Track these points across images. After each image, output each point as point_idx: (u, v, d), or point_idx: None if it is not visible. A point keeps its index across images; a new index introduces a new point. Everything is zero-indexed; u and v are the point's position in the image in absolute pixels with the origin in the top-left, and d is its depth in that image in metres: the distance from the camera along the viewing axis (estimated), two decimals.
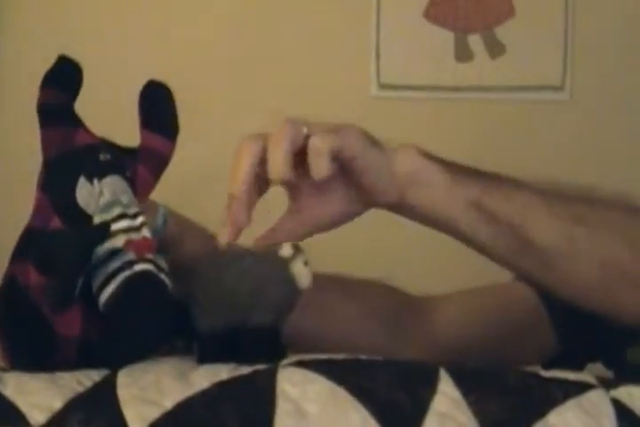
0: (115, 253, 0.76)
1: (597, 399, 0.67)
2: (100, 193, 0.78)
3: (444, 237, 1.82)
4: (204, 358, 0.74)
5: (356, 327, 1.01)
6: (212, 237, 0.83)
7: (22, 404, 0.66)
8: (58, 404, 0.66)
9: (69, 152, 0.80)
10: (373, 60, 2.04)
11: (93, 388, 0.67)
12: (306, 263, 0.77)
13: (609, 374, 1.06)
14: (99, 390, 0.67)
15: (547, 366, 1.09)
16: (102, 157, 0.79)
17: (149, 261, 0.77)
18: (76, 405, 0.66)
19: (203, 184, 1.86)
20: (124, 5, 2.07)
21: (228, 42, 2.05)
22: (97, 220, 0.77)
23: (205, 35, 2.05)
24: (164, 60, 2.05)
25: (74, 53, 0.84)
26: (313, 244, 1.75)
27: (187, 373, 0.70)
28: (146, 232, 0.78)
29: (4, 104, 2.10)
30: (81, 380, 0.68)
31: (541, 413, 0.65)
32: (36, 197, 0.81)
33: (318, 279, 1.02)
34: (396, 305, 1.06)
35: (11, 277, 0.77)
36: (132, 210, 0.78)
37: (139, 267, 0.76)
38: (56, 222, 0.78)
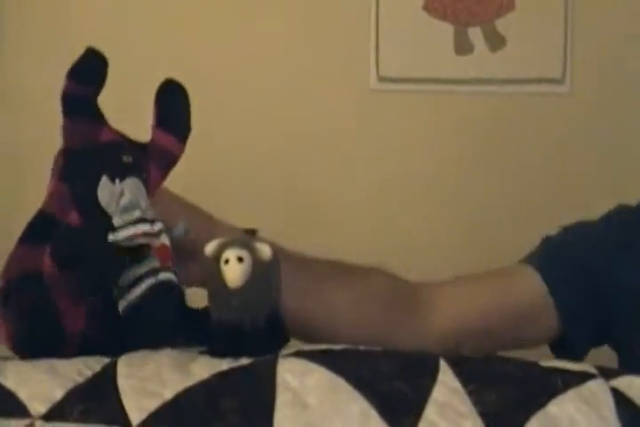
0: (139, 255, 0.77)
1: (597, 389, 0.67)
2: (122, 194, 0.78)
3: (445, 223, 1.82)
4: (215, 351, 0.73)
5: (355, 314, 1.01)
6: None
7: (23, 394, 0.66)
8: (58, 394, 0.66)
9: (94, 148, 0.80)
10: (372, 52, 2.03)
11: (93, 378, 0.67)
12: (228, 261, 0.72)
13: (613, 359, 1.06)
14: (99, 381, 0.67)
15: (552, 351, 1.10)
16: (125, 158, 0.80)
17: (171, 270, 0.78)
18: (76, 395, 0.66)
19: (205, 184, 1.86)
20: (128, 5, 2.07)
21: (225, 34, 2.04)
22: (117, 221, 0.77)
23: (205, 27, 2.05)
24: (165, 61, 2.04)
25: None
26: (314, 231, 1.74)
27: (186, 364, 0.70)
28: (165, 239, 0.79)
29: (5, 104, 2.10)
30: (81, 370, 0.68)
31: (541, 402, 0.65)
32: (52, 184, 0.81)
33: (319, 266, 1.02)
34: (396, 292, 1.05)
35: (20, 261, 0.77)
36: (150, 215, 0.79)
37: (162, 276, 0.77)
38: (75, 217, 0.78)
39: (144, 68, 2.03)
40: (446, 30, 2.03)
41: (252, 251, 0.72)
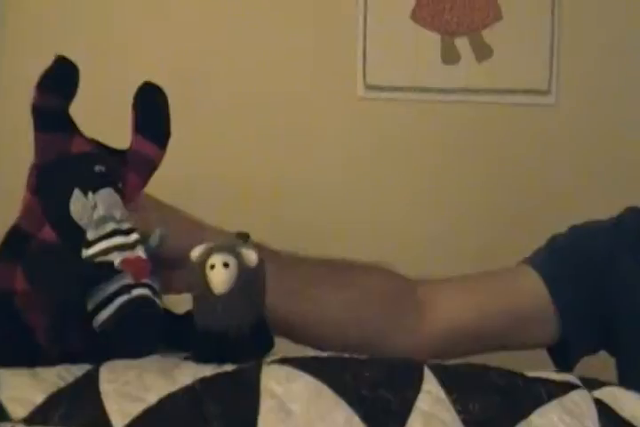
0: (111, 273, 0.75)
1: (580, 400, 0.67)
2: (94, 207, 0.77)
3: (430, 231, 1.82)
4: (200, 357, 0.73)
5: (348, 315, 0.99)
6: None
7: (3, 398, 0.65)
8: (39, 398, 0.65)
9: (65, 161, 0.79)
10: (360, 60, 2.04)
11: (75, 382, 0.67)
12: (213, 266, 0.71)
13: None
14: (81, 385, 0.67)
15: (549, 354, 1.09)
16: (97, 168, 0.79)
17: (146, 285, 0.76)
18: (57, 399, 0.65)
19: (195, 186, 1.86)
20: (125, 6, 2.07)
21: (213, 43, 2.04)
22: (90, 235, 0.76)
23: (195, 34, 2.05)
24: (166, 60, 2.04)
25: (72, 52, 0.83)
26: (302, 236, 1.74)
27: (170, 369, 0.69)
28: (140, 250, 0.77)
29: (4, 105, 2.09)
30: (63, 375, 0.67)
31: (525, 412, 0.66)
32: (25, 197, 0.81)
33: (311, 266, 1.01)
34: (396, 290, 1.04)
35: None
36: (126, 225, 0.78)
37: (136, 292, 0.75)
38: (49, 233, 0.77)
39: (137, 69, 2.03)
40: (433, 39, 2.04)
41: (239, 256, 0.72)
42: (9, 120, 2.07)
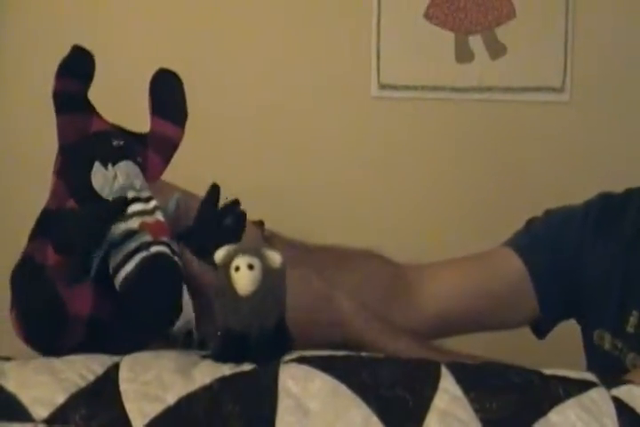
0: (130, 234, 0.78)
1: (599, 398, 0.67)
2: (115, 177, 0.80)
3: (446, 228, 1.82)
4: (219, 356, 0.73)
5: (359, 298, 1.02)
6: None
7: (25, 398, 0.66)
8: (60, 399, 0.66)
9: (84, 138, 0.82)
10: (374, 60, 2.04)
11: (96, 382, 0.67)
12: (238, 268, 0.71)
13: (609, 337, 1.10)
14: (101, 385, 0.67)
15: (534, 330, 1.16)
16: (115, 142, 0.81)
17: (164, 243, 0.78)
18: (78, 400, 0.66)
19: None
20: (129, 7, 2.07)
21: (226, 42, 2.05)
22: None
23: (206, 35, 2.05)
24: (165, 61, 2.04)
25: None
26: (324, 225, 1.74)
27: (189, 368, 0.69)
28: (159, 215, 0.80)
29: (5, 103, 2.10)
30: (83, 374, 0.68)
31: (542, 410, 0.65)
32: (52, 182, 0.83)
33: (315, 253, 1.04)
34: (389, 276, 1.09)
35: (27, 257, 0.79)
36: (145, 194, 0.81)
37: (155, 248, 0.77)
38: (71, 204, 0.80)
39: (142, 71, 2.04)
40: (447, 38, 2.03)
41: (263, 258, 0.72)
42: (8, 120, 2.08)
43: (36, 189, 1.91)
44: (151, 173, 0.83)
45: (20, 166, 2.08)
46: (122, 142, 0.82)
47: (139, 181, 0.81)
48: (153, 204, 0.81)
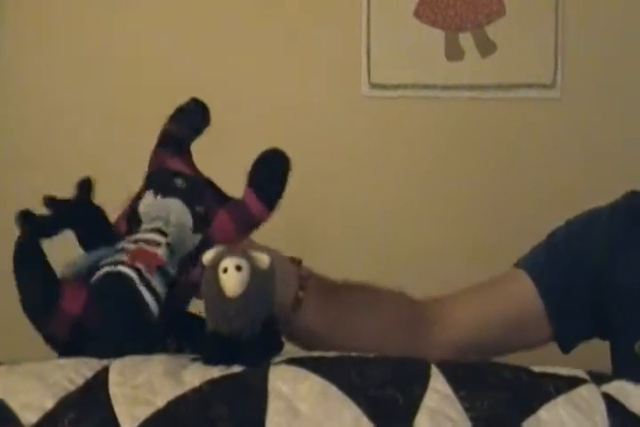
0: (120, 251, 0.81)
1: (589, 394, 0.67)
2: (158, 207, 0.85)
3: (437, 226, 1.81)
4: (209, 359, 0.73)
5: (380, 342, 1.04)
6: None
7: (13, 404, 0.65)
8: (49, 403, 0.65)
9: (157, 170, 0.89)
10: (364, 59, 2.04)
11: (85, 386, 0.67)
12: (226, 269, 0.71)
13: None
14: (90, 389, 0.67)
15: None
16: (179, 182, 0.86)
17: (135, 268, 0.80)
18: (67, 404, 0.65)
19: None
20: (126, 7, 2.07)
21: (218, 44, 2.05)
22: (142, 226, 0.84)
23: (199, 38, 2.05)
24: (156, 68, 2.05)
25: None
26: (316, 224, 1.73)
27: (178, 371, 0.69)
28: (161, 250, 0.82)
29: (6, 103, 2.10)
30: (72, 377, 0.67)
31: (532, 408, 0.65)
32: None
33: (346, 294, 1.05)
34: (412, 315, 1.10)
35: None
36: (170, 230, 0.84)
37: (119, 268, 0.80)
38: (123, 226, 0.86)
39: (143, 70, 2.04)
40: (437, 36, 2.03)
41: (251, 260, 0.72)
42: (8, 120, 2.08)
43: (36, 189, 1.90)
44: (217, 233, 0.85)
45: (20, 164, 2.08)
46: (185, 185, 0.86)
47: (176, 218, 0.84)
48: (166, 240, 0.83)
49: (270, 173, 0.88)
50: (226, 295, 0.71)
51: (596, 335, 1.12)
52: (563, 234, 1.13)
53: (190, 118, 0.91)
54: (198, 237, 0.85)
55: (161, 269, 0.81)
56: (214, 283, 0.72)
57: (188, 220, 0.84)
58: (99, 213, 0.85)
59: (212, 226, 0.85)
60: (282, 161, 0.89)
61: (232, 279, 0.71)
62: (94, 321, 0.79)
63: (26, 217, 0.81)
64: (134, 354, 0.74)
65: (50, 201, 0.82)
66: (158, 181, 0.87)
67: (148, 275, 0.80)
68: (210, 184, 0.90)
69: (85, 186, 0.86)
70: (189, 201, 0.85)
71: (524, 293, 1.09)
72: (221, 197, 0.89)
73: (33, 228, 0.81)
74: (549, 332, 1.10)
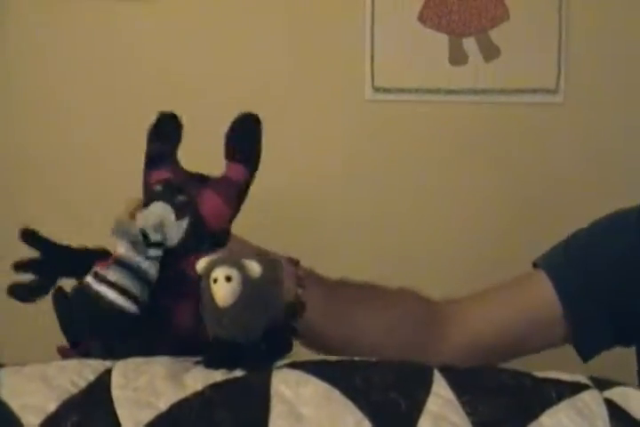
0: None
1: (591, 400, 0.67)
2: (140, 219, 0.86)
3: (441, 230, 1.81)
4: (211, 363, 0.73)
5: (386, 340, 1.04)
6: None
7: (16, 406, 0.65)
8: (52, 406, 0.66)
9: (144, 191, 0.90)
10: (368, 63, 2.04)
11: (87, 389, 0.67)
12: (216, 280, 0.72)
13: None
14: (93, 392, 0.67)
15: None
16: (157, 188, 0.88)
17: (92, 272, 0.82)
18: (69, 407, 0.65)
19: None
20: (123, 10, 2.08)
21: (220, 46, 2.05)
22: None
23: (200, 40, 2.05)
24: (155, 72, 2.05)
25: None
26: (318, 228, 1.73)
27: (181, 374, 0.69)
28: (147, 265, 0.83)
29: (6, 103, 2.10)
30: (74, 380, 0.68)
31: (535, 413, 0.65)
32: None
33: (350, 289, 1.05)
34: (423, 311, 1.08)
35: None
36: (156, 238, 0.84)
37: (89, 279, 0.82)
38: None
39: (143, 71, 2.04)
40: (441, 41, 2.03)
41: (241, 269, 0.72)
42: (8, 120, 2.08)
43: (35, 189, 1.89)
44: (205, 210, 0.86)
45: (20, 166, 2.08)
46: (161, 187, 0.88)
47: (151, 218, 0.86)
48: (157, 253, 0.84)
49: (241, 135, 0.92)
50: (218, 306, 0.71)
51: (620, 342, 1.10)
52: (585, 236, 1.10)
53: (165, 133, 0.93)
54: (185, 222, 0.85)
55: (119, 262, 0.83)
56: (207, 292, 0.72)
57: (168, 212, 0.85)
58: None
59: (198, 206, 0.86)
60: (250, 122, 0.93)
61: (221, 290, 0.71)
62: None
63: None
64: (136, 345, 0.75)
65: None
66: (144, 197, 0.89)
67: (102, 272, 0.82)
68: (195, 176, 0.90)
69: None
70: (167, 196, 0.86)
71: (543, 294, 1.07)
72: (206, 181, 0.89)
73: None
74: (567, 333, 1.08)
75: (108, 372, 0.70)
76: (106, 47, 2.06)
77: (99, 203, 2.15)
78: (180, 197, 0.86)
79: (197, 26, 2.05)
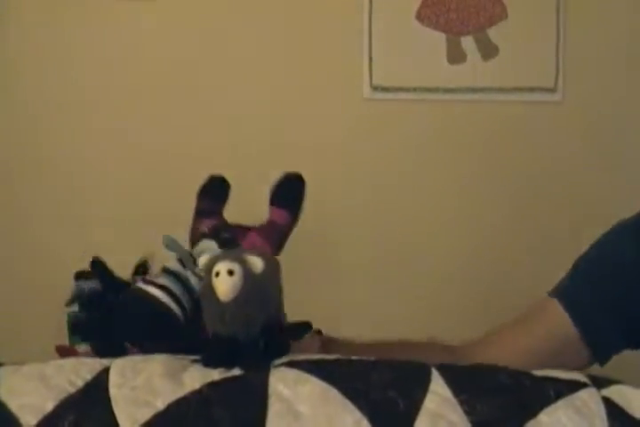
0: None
1: (589, 398, 0.67)
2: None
3: (438, 226, 1.80)
4: (210, 361, 0.72)
5: None
6: None
7: (13, 405, 0.65)
8: (49, 406, 0.65)
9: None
10: (366, 61, 2.04)
11: (85, 388, 0.67)
12: (218, 274, 0.72)
13: None
14: (90, 391, 0.67)
15: None
16: (204, 230, 0.94)
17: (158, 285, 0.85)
18: (67, 406, 0.65)
19: None
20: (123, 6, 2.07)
21: (220, 43, 2.04)
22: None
23: (200, 38, 2.05)
24: (156, 65, 2.05)
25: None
26: (316, 226, 1.72)
27: (178, 372, 0.69)
28: (194, 280, 0.86)
29: (6, 103, 2.10)
30: (72, 379, 0.67)
31: (533, 412, 0.65)
32: None
33: (377, 347, 1.05)
34: (453, 359, 1.09)
35: None
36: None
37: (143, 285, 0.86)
38: None
39: (144, 70, 2.04)
40: (439, 39, 2.03)
41: (244, 263, 0.72)
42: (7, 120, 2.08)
43: (35, 189, 1.89)
44: (249, 247, 0.92)
45: (20, 166, 2.08)
46: (207, 229, 0.94)
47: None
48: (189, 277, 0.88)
49: (286, 187, 1.01)
50: (219, 300, 0.71)
51: (630, 345, 1.11)
52: (589, 253, 1.12)
53: (215, 193, 1.01)
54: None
55: (168, 271, 0.86)
56: (209, 287, 0.72)
57: (211, 244, 0.89)
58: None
59: (240, 242, 0.92)
60: (297, 178, 1.03)
61: (224, 284, 0.71)
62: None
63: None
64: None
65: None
66: (191, 240, 0.94)
67: (151, 278, 0.85)
68: (241, 225, 0.98)
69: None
70: (212, 233, 0.92)
71: (559, 323, 1.09)
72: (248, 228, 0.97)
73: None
74: (588, 355, 1.09)
75: (106, 371, 0.69)
76: (106, 47, 2.06)
77: (98, 203, 2.16)
78: (224, 235, 0.90)
79: (197, 24, 2.05)
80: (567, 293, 1.11)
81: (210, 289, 0.72)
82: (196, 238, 0.93)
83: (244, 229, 0.95)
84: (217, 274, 0.71)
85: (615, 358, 1.12)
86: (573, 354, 1.09)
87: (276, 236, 0.95)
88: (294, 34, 2.03)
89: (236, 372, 0.69)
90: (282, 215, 0.97)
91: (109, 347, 0.81)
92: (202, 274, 0.82)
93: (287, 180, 1.01)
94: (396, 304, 1.89)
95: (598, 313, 1.08)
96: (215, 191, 1.02)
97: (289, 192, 1.00)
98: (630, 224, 1.11)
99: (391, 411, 0.65)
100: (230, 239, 0.89)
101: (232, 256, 0.72)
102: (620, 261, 1.08)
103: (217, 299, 0.71)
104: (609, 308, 1.08)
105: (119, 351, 0.79)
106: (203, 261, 0.74)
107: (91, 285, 0.92)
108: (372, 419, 0.65)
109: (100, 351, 0.81)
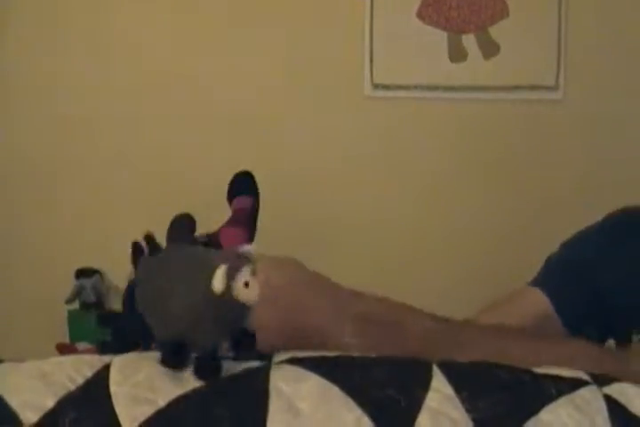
0: None
1: (590, 396, 0.67)
2: None
3: (439, 224, 1.81)
4: (202, 374, 0.71)
5: None
6: None
7: (14, 402, 0.65)
8: (50, 403, 0.65)
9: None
10: (367, 60, 2.04)
11: (85, 385, 0.67)
12: (247, 284, 0.70)
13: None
14: (91, 388, 0.67)
15: None
16: (201, 238, 0.95)
17: None
18: (67, 403, 0.65)
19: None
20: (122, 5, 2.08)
21: (221, 44, 2.05)
22: None
23: (202, 38, 2.05)
24: (165, 62, 2.05)
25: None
26: (317, 223, 1.73)
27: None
28: None
29: (6, 104, 2.10)
30: (72, 376, 0.67)
31: (534, 409, 0.65)
32: None
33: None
34: None
35: None
36: None
37: None
38: None
39: (143, 70, 2.04)
40: (440, 37, 2.04)
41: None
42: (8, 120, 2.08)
43: (35, 189, 1.90)
44: (226, 241, 0.96)
45: (20, 166, 2.08)
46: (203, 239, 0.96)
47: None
48: None
49: (240, 179, 1.08)
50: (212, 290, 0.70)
51: (611, 336, 1.15)
52: (559, 254, 1.18)
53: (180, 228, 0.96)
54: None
55: None
56: (231, 300, 0.70)
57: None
58: None
59: (217, 239, 0.97)
60: (245, 173, 1.10)
61: (219, 277, 0.70)
62: None
63: None
64: None
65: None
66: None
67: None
68: (207, 234, 1.00)
69: None
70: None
71: (542, 310, 1.12)
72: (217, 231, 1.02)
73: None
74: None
75: (107, 368, 0.69)
76: (105, 47, 2.06)
77: (99, 203, 2.15)
78: (201, 238, 0.92)
79: (197, 23, 2.05)
80: (550, 283, 1.15)
81: (233, 301, 0.71)
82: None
83: (214, 233, 0.98)
84: (246, 284, 0.70)
85: None
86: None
87: (246, 220, 0.99)
88: (296, 33, 2.03)
89: (237, 369, 0.69)
90: (245, 200, 1.01)
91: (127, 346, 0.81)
92: None
93: (238, 176, 1.08)
94: None
95: (579, 302, 1.13)
96: (180, 228, 1.01)
97: (243, 182, 1.07)
98: (595, 224, 1.18)
99: (392, 408, 0.65)
100: (206, 239, 0.93)
101: (232, 269, 0.70)
102: (589, 252, 1.15)
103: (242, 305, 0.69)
104: (589, 296, 1.13)
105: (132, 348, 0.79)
106: (220, 280, 0.71)
107: (91, 282, 0.92)
108: (372, 416, 0.64)
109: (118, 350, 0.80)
